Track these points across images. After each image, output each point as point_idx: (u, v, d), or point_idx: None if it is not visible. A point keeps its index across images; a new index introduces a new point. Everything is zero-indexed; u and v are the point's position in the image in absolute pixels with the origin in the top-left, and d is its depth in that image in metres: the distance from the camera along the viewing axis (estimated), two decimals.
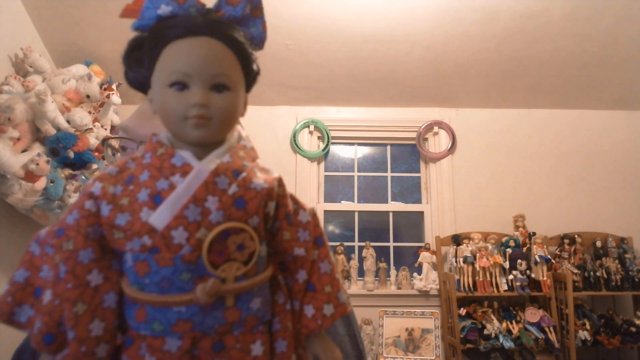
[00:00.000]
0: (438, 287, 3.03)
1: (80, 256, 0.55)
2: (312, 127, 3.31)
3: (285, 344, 0.60)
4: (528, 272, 2.87)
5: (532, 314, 2.79)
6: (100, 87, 2.42)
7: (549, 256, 2.92)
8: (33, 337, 0.55)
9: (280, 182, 0.63)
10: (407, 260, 3.27)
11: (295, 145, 3.25)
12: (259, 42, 0.63)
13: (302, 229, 0.63)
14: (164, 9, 0.57)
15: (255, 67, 0.63)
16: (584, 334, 2.75)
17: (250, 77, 0.63)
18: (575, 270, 2.93)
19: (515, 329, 2.75)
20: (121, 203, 0.56)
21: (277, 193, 0.61)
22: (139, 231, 0.55)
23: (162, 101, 0.58)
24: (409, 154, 3.47)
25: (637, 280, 2.91)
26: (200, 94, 0.56)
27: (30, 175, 2.06)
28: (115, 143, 0.93)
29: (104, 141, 0.92)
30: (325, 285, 0.63)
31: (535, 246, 2.94)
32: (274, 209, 0.61)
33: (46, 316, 0.55)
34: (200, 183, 0.56)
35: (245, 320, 0.57)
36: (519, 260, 2.88)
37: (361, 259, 3.12)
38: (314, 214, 0.66)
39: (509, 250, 2.94)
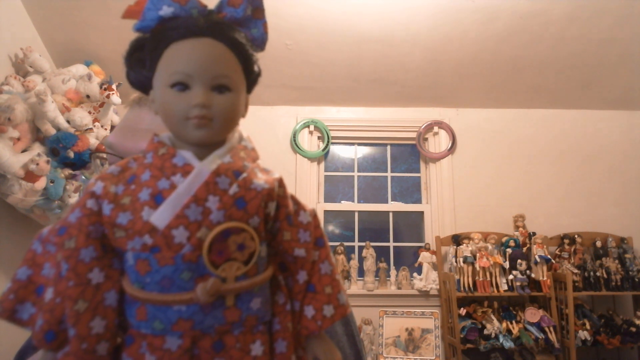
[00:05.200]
0: (438, 287, 3.03)
1: (82, 254, 0.55)
2: (312, 127, 3.31)
3: (285, 344, 0.60)
4: (528, 272, 2.87)
5: (532, 314, 2.79)
6: (100, 87, 2.42)
7: (549, 256, 2.92)
8: (34, 335, 0.56)
9: (281, 182, 0.63)
10: (407, 260, 3.27)
11: (295, 145, 3.25)
12: (260, 43, 0.63)
13: (302, 230, 0.63)
14: (166, 10, 0.57)
15: (256, 68, 0.63)
16: (584, 334, 2.75)
17: (251, 78, 0.63)
18: (575, 270, 2.93)
19: (515, 329, 2.75)
20: (122, 202, 0.56)
21: (277, 194, 0.62)
22: (140, 230, 0.55)
23: (164, 102, 0.58)
24: (409, 154, 3.47)
25: (637, 280, 2.92)
26: (202, 95, 0.56)
27: (30, 175, 2.06)
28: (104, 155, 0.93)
29: (91, 154, 0.93)
30: (326, 286, 0.63)
31: (535, 246, 2.95)
32: (275, 210, 0.61)
33: (47, 314, 0.55)
34: (201, 183, 0.56)
35: (245, 320, 0.57)
36: (519, 260, 2.88)
37: (361, 259, 3.12)
38: (314, 215, 0.66)
39: (509, 250, 2.94)
